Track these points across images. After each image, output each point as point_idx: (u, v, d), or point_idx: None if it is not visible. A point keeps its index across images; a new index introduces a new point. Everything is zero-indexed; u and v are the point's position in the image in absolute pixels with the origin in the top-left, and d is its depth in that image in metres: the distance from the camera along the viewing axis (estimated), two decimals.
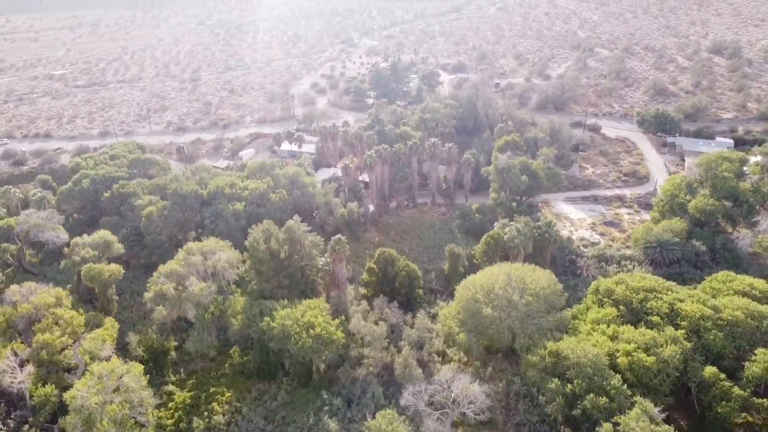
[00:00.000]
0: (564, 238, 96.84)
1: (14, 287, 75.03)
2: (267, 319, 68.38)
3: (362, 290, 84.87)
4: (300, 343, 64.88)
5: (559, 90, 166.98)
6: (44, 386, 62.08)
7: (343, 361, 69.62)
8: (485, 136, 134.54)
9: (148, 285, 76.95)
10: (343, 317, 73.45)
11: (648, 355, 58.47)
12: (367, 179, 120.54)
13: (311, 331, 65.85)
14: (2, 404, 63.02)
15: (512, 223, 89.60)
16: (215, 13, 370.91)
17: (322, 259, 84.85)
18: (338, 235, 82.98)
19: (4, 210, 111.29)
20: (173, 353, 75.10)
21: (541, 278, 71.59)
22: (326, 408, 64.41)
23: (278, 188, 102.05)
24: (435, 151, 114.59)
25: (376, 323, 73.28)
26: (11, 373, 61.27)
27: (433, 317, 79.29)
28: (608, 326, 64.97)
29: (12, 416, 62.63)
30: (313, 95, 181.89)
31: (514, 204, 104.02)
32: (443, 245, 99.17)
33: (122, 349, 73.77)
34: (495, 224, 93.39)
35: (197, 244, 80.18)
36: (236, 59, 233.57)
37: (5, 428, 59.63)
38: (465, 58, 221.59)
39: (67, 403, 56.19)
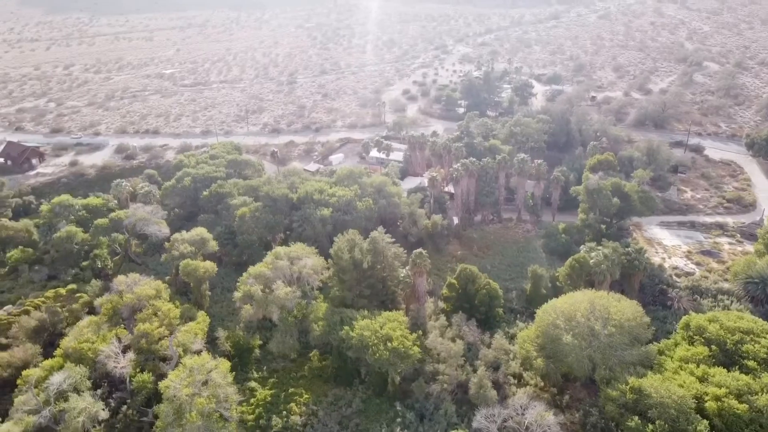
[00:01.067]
0: (655, 266, 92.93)
1: (121, 278, 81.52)
2: (347, 328, 70.57)
3: (441, 304, 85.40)
4: (377, 354, 66.51)
5: (660, 106, 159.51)
6: (142, 373, 67.44)
7: (418, 375, 70.56)
8: (577, 152, 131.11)
9: (237, 284, 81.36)
10: (420, 332, 74.43)
11: (740, 402, 55.35)
12: (452, 191, 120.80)
13: (388, 344, 67.29)
14: (105, 384, 68.72)
15: (599, 247, 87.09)
16: (314, 16, 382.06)
17: (404, 270, 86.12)
18: (420, 249, 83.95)
19: (116, 201, 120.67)
20: (257, 351, 78.83)
21: (626, 309, 69.33)
22: (399, 420, 65.67)
23: (365, 196, 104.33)
24: (523, 167, 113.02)
25: (453, 340, 73.68)
26: (115, 358, 66.78)
27: (511, 338, 78.58)
28: (698, 366, 61.93)
29: (113, 396, 68.23)
30: (404, 102, 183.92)
31: (603, 227, 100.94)
32: (526, 264, 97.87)
33: (211, 342, 78.39)
34: (581, 247, 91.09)
35: (285, 249, 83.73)
36: (331, 63, 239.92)
37: (107, 407, 64.95)
38: (561, 69, 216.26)
39: (162, 391, 60.82)
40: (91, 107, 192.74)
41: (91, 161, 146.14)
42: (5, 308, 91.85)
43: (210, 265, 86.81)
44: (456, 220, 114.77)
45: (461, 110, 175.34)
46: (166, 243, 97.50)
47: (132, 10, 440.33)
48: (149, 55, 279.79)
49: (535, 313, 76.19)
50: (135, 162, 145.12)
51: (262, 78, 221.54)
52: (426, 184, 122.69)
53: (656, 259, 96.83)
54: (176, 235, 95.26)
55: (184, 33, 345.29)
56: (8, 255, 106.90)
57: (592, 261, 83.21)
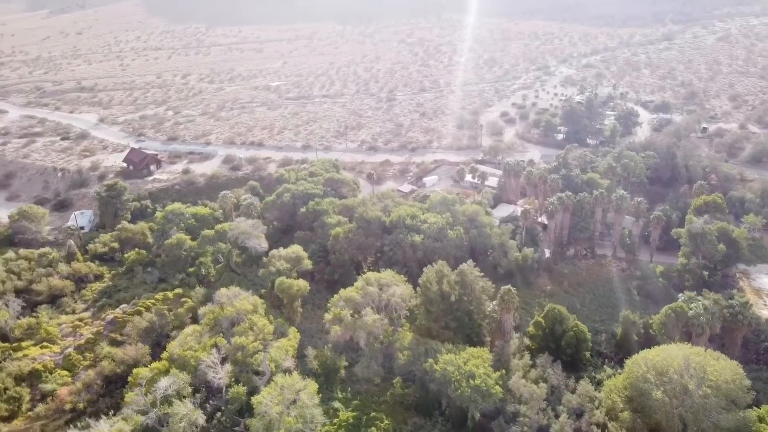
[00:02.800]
0: (762, 320, 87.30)
1: (223, 290, 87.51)
2: (431, 360, 72.00)
3: (527, 341, 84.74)
4: (459, 390, 67.45)
5: None
6: (237, 384, 72.13)
7: (499, 414, 70.59)
8: (682, 190, 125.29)
9: (329, 305, 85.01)
10: (503, 370, 74.42)
11: None
12: (546, 221, 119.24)
13: (471, 381, 68.01)
14: (203, 391, 74.06)
15: (700, 297, 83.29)
16: (417, 31, 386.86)
17: (491, 305, 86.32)
18: (509, 286, 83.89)
19: (221, 211, 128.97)
20: (343, 371, 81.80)
21: (725, 369, 66.05)
22: None
23: (456, 225, 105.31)
24: (622, 204, 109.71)
25: (536, 382, 73.08)
26: (214, 368, 71.88)
27: (598, 384, 76.75)
28: None
29: (209, 403, 73.40)
30: (502, 125, 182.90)
31: (706, 274, 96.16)
32: (619, 306, 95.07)
33: (300, 358, 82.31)
34: (680, 295, 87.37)
35: (375, 275, 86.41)
36: (431, 81, 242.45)
37: (203, 412, 69.99)
38: (670, 96, 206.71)
39: (254, 406, 64.99)
40: (204, 117, 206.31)
41: (201, 170, 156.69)
42: (122, 307, 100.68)
43: (303, 284, 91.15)
44: (547, 253, 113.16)
45: (560, 136, 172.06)
46: (264, 257, 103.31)
47: (246, 21, 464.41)
48: (258, 66, 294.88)
49: (624, 360, 74.16)
50: (240, 173, 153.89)
51: (363, 93, 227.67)
52: (519, 213, 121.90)
53: (764, 313, 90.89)
54: (274, 252, 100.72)
55: (292, 45, 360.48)
56: (126, 255, 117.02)
57: (690, 312, 79.78)
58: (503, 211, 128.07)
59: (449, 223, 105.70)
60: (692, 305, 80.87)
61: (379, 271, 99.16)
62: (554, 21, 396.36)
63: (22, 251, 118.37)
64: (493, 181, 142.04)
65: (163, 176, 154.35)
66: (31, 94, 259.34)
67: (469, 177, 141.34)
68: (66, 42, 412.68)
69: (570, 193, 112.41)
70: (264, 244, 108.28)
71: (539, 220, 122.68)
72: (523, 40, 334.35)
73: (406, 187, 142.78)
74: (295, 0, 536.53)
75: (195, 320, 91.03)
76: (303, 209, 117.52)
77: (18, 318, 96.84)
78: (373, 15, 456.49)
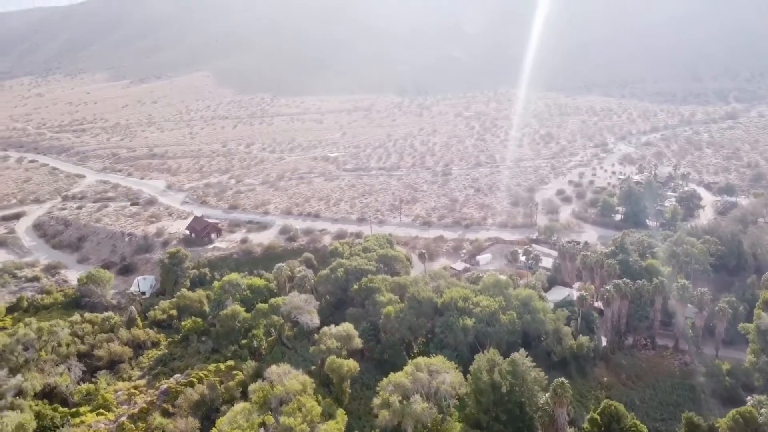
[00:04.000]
0: None
1: (273, 368, 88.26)
2: None
3: None
4: None
5: None
6: None
7: None
8: (749, 281, 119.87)
9: (377, 388, 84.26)
10: None
11: None
12: (602, 306, 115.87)
13: None
14: None
15: None
16: (474, 104, 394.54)
17: (544, 397, 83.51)
18: (562, 379, 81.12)
19: (275, 283, 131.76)
20: None
21: None
22: None
23: (509, 309, 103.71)
24: (683, 294, 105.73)
25: None
26: None
27: None
28: None
29: None
30: (558, 203, 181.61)
31: None
32: (681, 404, 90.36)
33: None
34: (749, 398, 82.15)
35: (425, 361, 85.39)
36: (486, 155, 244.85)
37: None
38: (735, 177, 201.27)
39: None
40: (264, 186, 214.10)
41: (259, 240, 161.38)
42: (175, 377, 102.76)
43: (353, 365, 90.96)
44: (604, 342, 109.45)
45: (618, 217, 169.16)
46: (315, 334, 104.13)
47: (308, 92, 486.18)
48: (318, 137, 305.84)
49: None
50: (296, 244, 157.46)
51: (419, 167, 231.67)
52: (574, 296, 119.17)
53: None
54: (325, 329, 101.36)
55: (351, 116, 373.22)
56: (183, 323, 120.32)
57: (761, 418, 74.73)
58: (558, 293, 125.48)
59: (502, 307, 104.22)
60: (762, 410, 75.81)
61: (429, 355, 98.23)
62: (612, 97, 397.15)
63: (87, 315, 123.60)
64: (547, 262, 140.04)
65: (223, 245, 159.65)
66: (107, 160, 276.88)
67: (523, 258, 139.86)
68: (142, 110, 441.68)
69: (628, 281, 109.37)
70: (316, 320, 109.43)
71: (596, 304, 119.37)
72: (581, 115, 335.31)
73: (459, 265, 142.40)
74: (356, 71, 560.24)
75: (245, 394, 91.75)
76: (356, 286, 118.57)
77: (78, 383, 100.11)
78: (430, 87, 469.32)
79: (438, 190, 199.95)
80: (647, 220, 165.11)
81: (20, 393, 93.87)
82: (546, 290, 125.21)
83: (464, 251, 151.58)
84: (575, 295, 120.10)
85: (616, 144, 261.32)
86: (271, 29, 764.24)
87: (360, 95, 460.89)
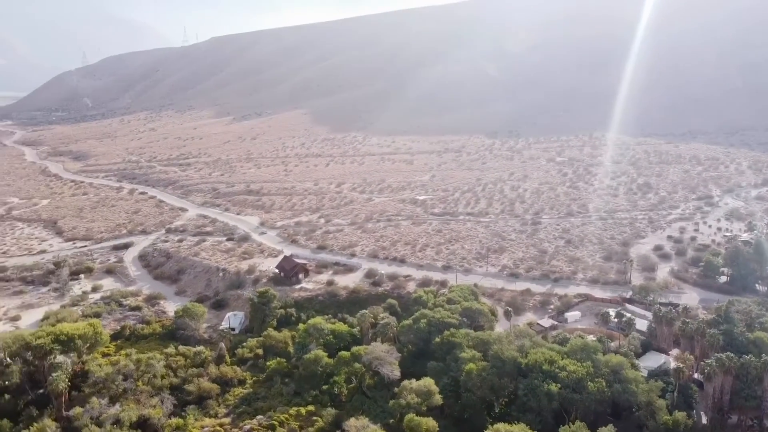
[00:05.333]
0: None
1: (352, 421, 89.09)
2: None
3: None
4: None
5: None
6: None
7: None
8: None
9: None
10: None
11: None
12: (702, 378, 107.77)
13: None
14: None
15: None
16: (567, 149, 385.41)
17: None
18: None
19: (358, 328, 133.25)
20: None
21: None
22: None
23: (598, 376, 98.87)
24: None
25: None
26: None
27: None
28: None
29: None
30: (655, 260, 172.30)
31: None
32: None
33: None
34: None
35: (505, 428, 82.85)
36: (579, 204, 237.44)
37: None
38: None
39: None
40: (351, 227, 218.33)
41: (344, 282, 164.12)
42: (258, 418, 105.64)
43: (432, 425, 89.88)
44: (704, 419, 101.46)
45: (723, 279, 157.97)
46: (395, 387, 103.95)
47: (399, 132, 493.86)
48: (407, 178, 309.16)
49: None
50: (380, 289, 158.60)
51: (507, 214, 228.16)
52: (670, 365, 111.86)
53: None
54: (405, 383, 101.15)
55: (441, 158, 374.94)
56: (268, 363, 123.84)
57: None
58: (652, 360, 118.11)
59: (590, 373, 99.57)
60: None
61: (511, 417, 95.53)
62: (719, 145, 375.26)
63: (181, 348, 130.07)
64: (642, 325, 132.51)
65: (310, 285, 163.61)
66: (207, 194, 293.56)
67: (615, 319, 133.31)
68: (241, 146, 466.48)
69: (732, 355, 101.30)
70: (396, 372, 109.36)
71: (695, 376, 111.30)
72: (683, 164, 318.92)
73: (546, 322, 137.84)
74: (448, 112, 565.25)
75: None
76: (438, 339, 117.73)
77: (169, 416, 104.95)
78: (522, 130, 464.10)
79: (526, 239, 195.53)
80: (756, 285, 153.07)
81: (117, 422, 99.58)
82: (639, 356, 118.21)
83: (552, 307, 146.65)
84: (672, 363, 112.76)
85: (722, 197, 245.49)
86: (368, 71, 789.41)
87: (451, 136, 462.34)
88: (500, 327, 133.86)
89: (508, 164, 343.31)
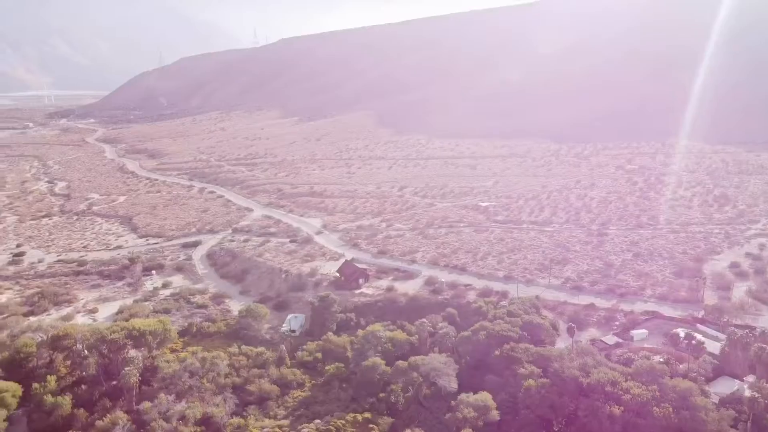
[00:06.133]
0: None
1: None
2: None
3: None
4: None
5: None
6: None
7: None
8: None
9: None
10: None
11: None
12: None
13: None
14: None
15: None
16: (638, 156, 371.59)
17: None
18: None
19: (416, 337, 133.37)
20: None
21: None
22: None
23: (664, 402, 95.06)
24: None
25: None
26: None
27: None
28: None
29: None
30: (731, 278, 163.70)
31: None
32: None
33: None
34: None
35: None
36: (649, 216, 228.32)
37: None
38: None
39: None
40: (413, 233, 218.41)
41: (404, 289, 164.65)
42: (315, 422, 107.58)
43: None
44: None
45: None
46: (453, 400, 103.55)
47: (463, 135, 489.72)
48: (470, 184, 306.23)
49: None
50: (440, 297, 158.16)
51: (572, 224, 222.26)
52: (744, 392, 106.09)
53: None
54: (462, 397, 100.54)
55: (505, 163, 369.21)
56: (327, 368, 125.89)
57: None
58: (724, 386, 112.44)
59: (656, 397, 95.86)
60: None
61: None
62: None
63: (243, 348, 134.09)
64: (713, 347, 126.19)
65: (369, 291, 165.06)
66: (272, 195, 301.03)
67: (684, 340, 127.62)
68: (306, 147, 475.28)
69: None
70: (454, 385, 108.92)
71: None
72: (765, 175, 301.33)
73: (611, 339, 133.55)
74: (514, 115, 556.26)
75: None
76: (497, 352, 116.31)
77: (231, 416, 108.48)
78: (591, 136, 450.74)
79: (592, 251, 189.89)
80: None
81: (182, 418, 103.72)
82: (710, 381, 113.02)
83: (617, 323, 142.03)
84: (746, 391, 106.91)
85: None
86: (433, 73, 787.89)
87: (516, 140, 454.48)
88: (562, 342, 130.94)
89: (575, 171, 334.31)
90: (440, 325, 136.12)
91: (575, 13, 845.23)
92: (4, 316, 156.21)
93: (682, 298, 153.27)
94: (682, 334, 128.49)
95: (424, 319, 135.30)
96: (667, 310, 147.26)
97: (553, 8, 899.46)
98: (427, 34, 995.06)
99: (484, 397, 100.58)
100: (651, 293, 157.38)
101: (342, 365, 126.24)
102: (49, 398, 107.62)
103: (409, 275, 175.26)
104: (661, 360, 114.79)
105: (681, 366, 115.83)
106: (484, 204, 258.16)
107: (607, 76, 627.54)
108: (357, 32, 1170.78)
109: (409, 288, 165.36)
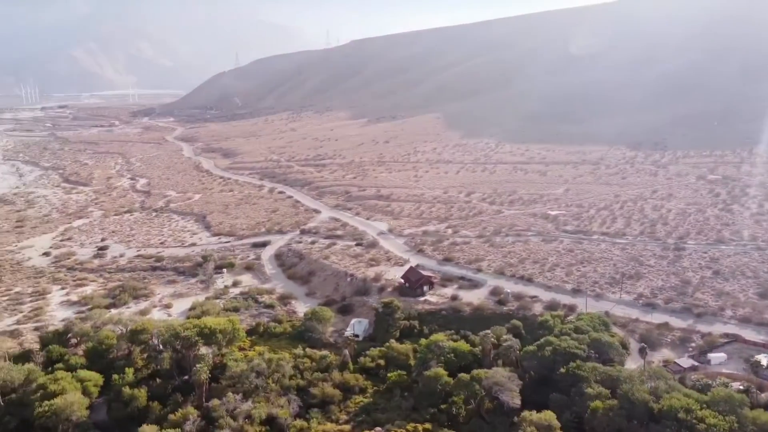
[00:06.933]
0: None
1: None
2: None
3: None
4: None
5: None
6: None
7: None
8: None
9: None
10: None
11: None
12: None
13: None
14: None
15: None
16: (721, 166, 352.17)
17: None
18: None
19: (479, 348, 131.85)
20: None
21: None
22: None
23: None
24: None
25: None
26: None
27: None
28: None
29: None
30: None
31: None
32: None
33: None
34: None
35: None
36: (731, 231, 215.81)
37: None
38: None
39: None
40: (479, 240, 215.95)
41: (468, 298, 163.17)
42: (376, 429, 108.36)
43: None
44: None
45: None
46: (515, 416, 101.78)
47: (533, 140, 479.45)
48: (540, 191, 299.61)
49: None
50: (505, 309, 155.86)
51: (647, 236, 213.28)
52: None
53: None
54: (525, 414, 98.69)
55: (577, 170, 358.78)
56: (389, 375, 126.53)
57: None
58: None
59: (734, 429, 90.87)
60: None
61: None
62: None
63: (308, 350, 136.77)
64: None
65: (433, 299, 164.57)
66: (340, 197, 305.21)
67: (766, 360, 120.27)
68: (374, 149, 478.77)
69: None
70: (517, 401, 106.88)
71: None
72: None
73: (685, 362, 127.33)
74: (587, 120, 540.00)
75: None
76: (563, 369, 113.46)
77: (295, 417, 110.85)
78: (670, 142, 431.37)
79: (667, 266, 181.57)
80: None
81: (248, 417, 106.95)
82: None
83: (693, 345, 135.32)
84: None
85: None
86: (503, 75, 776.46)
87: (589, 146, 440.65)
88: (632, 363, 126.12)
89: (651, 180, 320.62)
90: (504, 337, 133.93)
91: (655, 11, 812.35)
92: (89, 307, 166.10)
93: (767, 321, 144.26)
94: (764, 361, 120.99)
95: (488, 331, 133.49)
96: (749, 334, 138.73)
97: (632, 8, 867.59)
98: (498, 36, 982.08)
99: (548, 416, 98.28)
100: (731, 314, 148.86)
101: (404, 373, 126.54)
102: (127, 390, 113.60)
103: (474, 284, 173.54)
104: (741, 388, 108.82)
105: (763, 395, 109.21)
106: (553, 212, 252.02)
107: (688, 79, 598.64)
108: (428, 34, 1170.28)
109: (473, 297, 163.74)
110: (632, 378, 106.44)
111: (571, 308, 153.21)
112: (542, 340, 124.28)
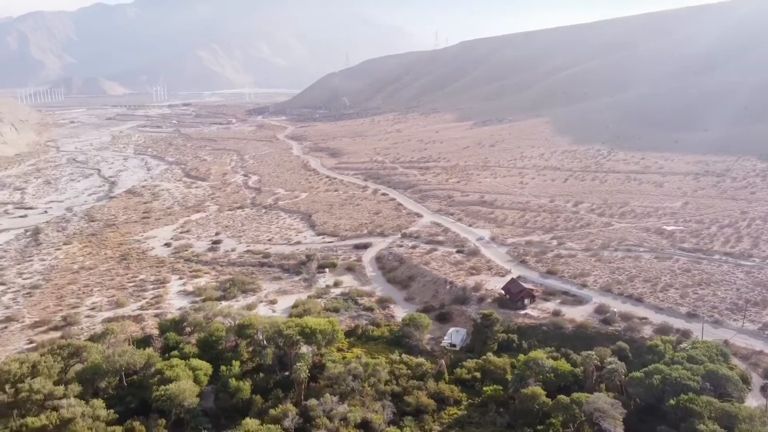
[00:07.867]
0: None
1: None
2: None
3: None
4: None
5: None
6: None
7: None
8: None
9: None
10: None
11: None
12: None
13: None
14: None
15: None
16: None
17: None
18: None
19: (580, 368, 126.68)
20: None
21: None
22: None
23: None
24: None
25: None
26: None
27: None
28: None
29: None
30: None
31: None
32: None
33: None
34: None
35: None
36: None
37: None
38: None
39: None
40: (586, 254, 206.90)
41: (571, 314, 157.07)
42: None
43: None
44: None
45: None
46: None
47: (650, 147, 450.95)
48: (654, 203, 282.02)
49: None
50: (610, 329, 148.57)
51: None
52: None
53: None
54: None
55: (698, 182, 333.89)
56: (485, 389, 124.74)
57: None
58: None
59: None
60: None
61: None
62: None
63: (404, 356, 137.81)
64: None
65: (534, 313, 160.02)
66: (442, 202, 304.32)
67: None
68: (479, 153, 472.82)
69: None
70: (620, 430, 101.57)
71: None
72: None
73: None
74: (713, 126, 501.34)
75: None
76: (673, 401, 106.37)
77: (388, 424, 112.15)
78: None
79: None
80: None
81: (344, 419, 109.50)
82: None
83: None
84: None
85: None
86: (620, 78, 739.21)
87: (713, 156, 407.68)
88: (753, 400, 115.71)
89: None
90: (609, 359, 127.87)
91: None
92: (202, 298, 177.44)
93: None
94: None
95: (592, 351, 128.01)
96: None
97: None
98: (614, 37, 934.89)
99: None
100: None
101: (500, 388, 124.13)
102: (233, 382, 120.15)
103: (578, 300, 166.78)
104: None
105: None
106: (669, 228, 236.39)
107: None
108: (539, 35, 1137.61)
109: (577, 314, 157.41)
110: (753, 417, 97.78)
111: (685, 334, 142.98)
112: (651, 366, 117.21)
